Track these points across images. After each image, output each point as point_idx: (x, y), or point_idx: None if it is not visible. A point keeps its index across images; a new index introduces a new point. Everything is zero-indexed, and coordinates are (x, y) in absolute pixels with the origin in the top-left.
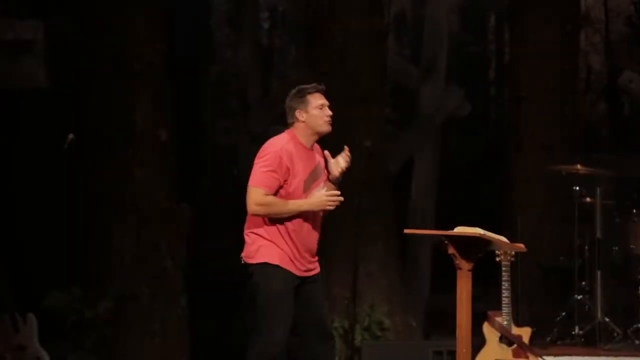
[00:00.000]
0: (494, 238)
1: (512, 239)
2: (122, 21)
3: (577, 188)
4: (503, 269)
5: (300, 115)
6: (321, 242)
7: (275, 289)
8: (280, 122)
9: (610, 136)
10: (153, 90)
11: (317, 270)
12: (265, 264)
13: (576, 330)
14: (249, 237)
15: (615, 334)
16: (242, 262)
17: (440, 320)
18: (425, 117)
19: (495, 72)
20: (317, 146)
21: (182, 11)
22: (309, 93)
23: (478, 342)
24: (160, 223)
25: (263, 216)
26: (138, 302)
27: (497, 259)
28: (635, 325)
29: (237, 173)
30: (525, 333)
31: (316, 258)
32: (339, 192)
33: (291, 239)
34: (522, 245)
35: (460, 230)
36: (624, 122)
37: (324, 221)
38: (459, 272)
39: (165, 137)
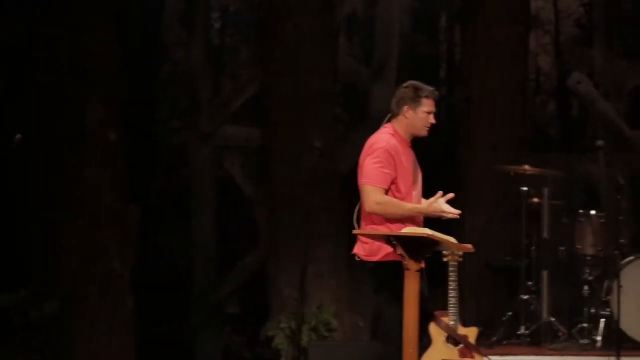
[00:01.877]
0: (442, 238)
1: (460, 239)
2: (73, 20)
3: (526, 188)
4: (450, 269)
5: (407, 111)
6: (272, 242)
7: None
8: (232, 121)
9: (559, 137)
10: (104, 90)
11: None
12: (391, 261)
13: (522, 330)
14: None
15: (561, 334)
16: (359, 259)
17: None
18: (376, 118)
19: (446, 73)
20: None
21: (133, 11)
22: (426, 97)
23: (425, 342)
24: (109, 224)
25: (381, 215)
26: (86, 303)
27: (445, 259)
28: (580, 325)
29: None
30: (471, 333)
31: None
32: (459, 212)
33: None
34: (470, 245)
35: (408, 230)
36: (573, 123)
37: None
38: (407, 273)
39: (115, 138)
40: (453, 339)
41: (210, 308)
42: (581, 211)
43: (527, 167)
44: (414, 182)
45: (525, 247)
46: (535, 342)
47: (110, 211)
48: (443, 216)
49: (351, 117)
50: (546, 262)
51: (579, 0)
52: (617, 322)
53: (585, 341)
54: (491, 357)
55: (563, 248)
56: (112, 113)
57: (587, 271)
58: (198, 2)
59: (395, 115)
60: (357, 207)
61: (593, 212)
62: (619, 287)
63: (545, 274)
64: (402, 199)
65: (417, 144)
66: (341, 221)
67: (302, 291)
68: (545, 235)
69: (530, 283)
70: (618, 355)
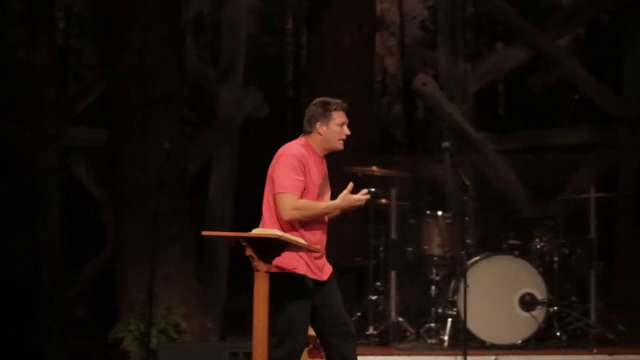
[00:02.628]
0: (291, 239)
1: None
2: None
3: (373, 189)
4: None
5: (320, 127)
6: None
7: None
8: (78, 122)
9: (405, 138)
10: None
11: (331, 270)
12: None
13: (370, 330)
14: None
15: (409, 334)
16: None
17: (238, 322)
18: (223, 119)
19: (293, 74)
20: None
21: None
22: (335, 109)
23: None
24: None
25: (298, 220)
26: None
27: None
28: (427, 325)
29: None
30: None
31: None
32: (367, 191)
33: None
34: (318, 246)
35: (257, 232)
36: (419, 125)
37: None
38: (256, 274)
39: None
40: None
41: (56, 310)
42: (428, 212)
43: (374, 168)
44: (320, 195)
45: (373, 248)
46: (383, 342)
47: None
48: (358, 205)
49: (199, 118)
50: (394, 263)
51: (423, 3)
52: (464, 321)
53: (433, 341)
54: None
55: (410, 248)
56: None
57: (434, 271)
58: (40, 1)
59: (308, 133)
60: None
61: (439, 213)
62: (465, 287)
63: (393, 274)
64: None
65: (266, 148)
66: (189, 222)
67: (150, 293)
68: (393, 235)
69: (378, 283)
70: (465, 355)
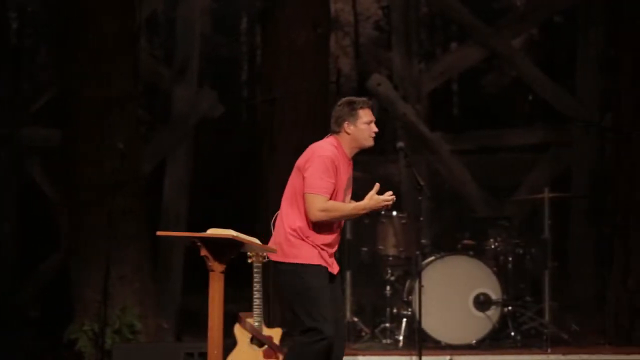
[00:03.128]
0: (246, 239)
1: (264, 240)
2: None
3: None
4: (255, 270)
5: (348, 127)
6: (74, 244)
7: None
8: (31, 122)
9: None
10: None
11: (338, 268)
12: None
13: None
14: (291, 239)
15: (364, 334)
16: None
17: (193, 322)
18: (178, 118)
19: (247, 74)
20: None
21: None
22: (361, 108)
23: (230, 343)
24: None
25: (325, 221)
26: None
27: (250, 261)
28: (382, 325)
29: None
30: (276, 334)
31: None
32: (392, 192)
33: (324, 240)
34: (273, 247)
35: (213, 232)
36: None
37: None
38: (211, 274)
39: None
40: (257, 339)
41: (10, 312)
42: (383, 212)
43: None
44: (344, 197)
45: None
46: None
47: None
48: (384, 205)
49: (153, 118)
50: (349, 263)
51: (377, 3)
52: (419, 321)
53: (388, 341)
54: None
55: (365, 249)
56: None
57: (389, 271)
58: None
59: (336, 133)
60: (275, 215)
61: (394, 213)
62: (420, 287)
63: (348, 274)
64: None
65: (219, 147)
66: (144, 223)
67: (105, 293)
68: (348, 236)
69: None
70: (420, 355)
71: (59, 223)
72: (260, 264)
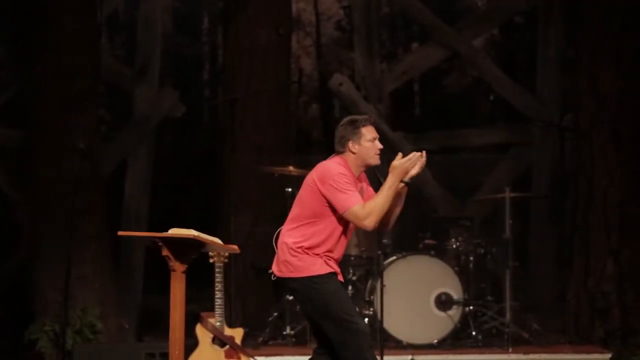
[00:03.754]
0: (208, 239)
1: (226, 240)
2: None
3: (290, 189)
4: (216, 270)
5: (353, 146)
6: (34, 244)
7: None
8: None
9: (322, 138)
10: None
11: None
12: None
13: (287, 330)
14: (296, 254)
15: None
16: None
17: (154, 322)
18: (139, 118)
19: (209, 74)
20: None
21: None
22: (363, 125)
23: (192, 343)
24: None
25: (377, 222)
26: None
27: (211, 260)
28: None
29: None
30: (237, 334)
31: None
32: (418, 153)
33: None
34: (235, 246)
35: (174, 231)
36: (335, 125)
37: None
38: (173, 274)
39: None
40: (219, 339)
41: None
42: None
43: (291, 167)
44: None
45: None
46: (300, 342)
47: None
48: (412, 165)
49: (114, 118)
50: None
51: (338, 3)
52: (380, 321)
53: None
54: (257, 358)
55: None
56: None
57: (351, 271)
58: None
59: (341, 153)
60: (277, 231)
61: None
62: (382, 286)
63: None
64: (337, 220)
65: (181, 147)
66: (105, 223)
67: (65, 293)
68: None
69: None
70: (381, 354)
71: (19, 223)
72: (221, 264)
